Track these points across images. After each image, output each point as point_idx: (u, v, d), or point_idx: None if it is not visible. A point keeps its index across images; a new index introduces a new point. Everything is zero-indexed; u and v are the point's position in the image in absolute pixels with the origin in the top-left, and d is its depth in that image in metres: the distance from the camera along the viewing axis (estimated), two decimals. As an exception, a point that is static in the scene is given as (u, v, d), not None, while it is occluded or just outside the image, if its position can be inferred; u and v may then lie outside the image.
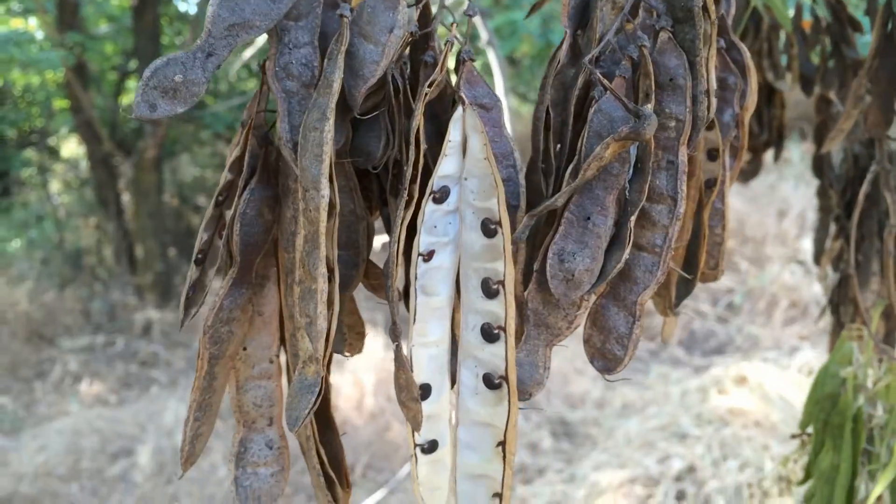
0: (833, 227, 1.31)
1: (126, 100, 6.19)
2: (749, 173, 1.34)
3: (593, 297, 0.45)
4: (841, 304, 1.29)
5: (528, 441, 3.40)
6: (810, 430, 0.95)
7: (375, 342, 3.96)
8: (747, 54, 0.56)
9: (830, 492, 0.89)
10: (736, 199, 5.12)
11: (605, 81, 0.42)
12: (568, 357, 3.97)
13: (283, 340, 0.47)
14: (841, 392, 0.90)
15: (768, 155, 1.33)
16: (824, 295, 1.31)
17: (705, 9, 0.44)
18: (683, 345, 4.32)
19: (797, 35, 1.28)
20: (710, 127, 0.56)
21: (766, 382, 3.46)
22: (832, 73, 1.22)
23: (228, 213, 0.43)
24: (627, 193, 0.44)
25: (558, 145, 0.45)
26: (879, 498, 0.84)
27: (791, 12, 1.29)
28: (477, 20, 2.64)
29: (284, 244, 0.43)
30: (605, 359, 0.47)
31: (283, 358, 0.47)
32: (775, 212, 4.99)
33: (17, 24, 5.13)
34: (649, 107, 0.41)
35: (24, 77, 5.64)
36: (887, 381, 0.88)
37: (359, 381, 3.67)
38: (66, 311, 5.10)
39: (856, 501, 0.87)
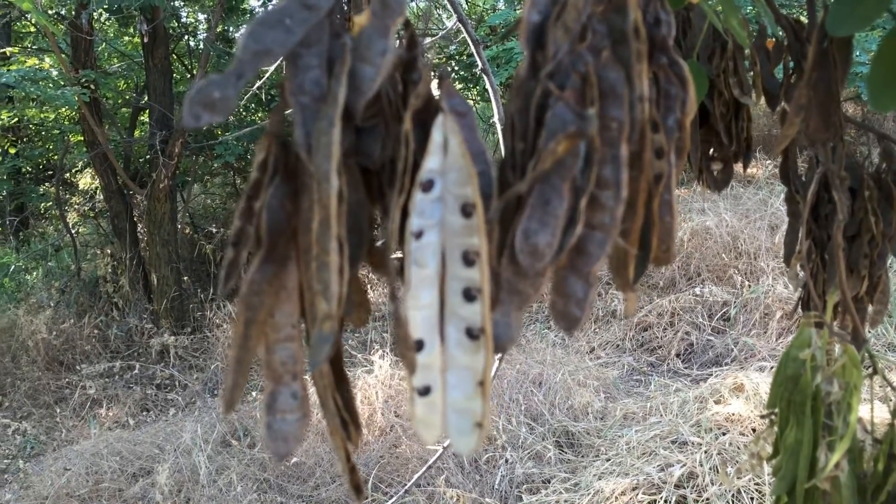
0: (801, 231, 1.41)
1: (139, 133, 6.35)
2: (721, 182, 1.44)
3: (554, 268, 0.56)
4: (811, 300, 1.39)
5: (533, 452, 3.48)
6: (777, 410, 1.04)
7: (383, 361, 4.06)
8: (686, 68, 0.66)
9: (795, 463, 0.98)
10: (729, 215, 5.23)
11: (558, 91, 0.53)
12: (570, 371, 4.06)
13: (302, 312, 0.57)
14: (801, 373, 1.00)
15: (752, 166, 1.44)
16: (794, 293, 1.41)
17: (637, 32, 0.54)
18: (682, 357, 4.41)
19: (761, 54, 1.39)
20: (656, 130, 0.66)
21: (763, 391, 3.54)
22: (794, 88, 1.33)
23: (257, 205, 0.54)
24: (579, 182, 0.54)
25: (522, 144, 0.55)
26: (837, 465, 0.93)
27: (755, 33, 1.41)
28: (473, 50, 2.77)
29: (303, 229, 0.54)
30: (567, 319, 0.57)
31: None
32: (767, 226, 5.10)
33: (32, 62, 5.30)
34: (592, 110, 0.52)
35: (39, 113, 5.80)
36: (842, 361, 0.97)
37: (368, 398, 3.77)
38: (84, 338, 5.22)
39: (817, 469, 0.96)
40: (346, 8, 0.57)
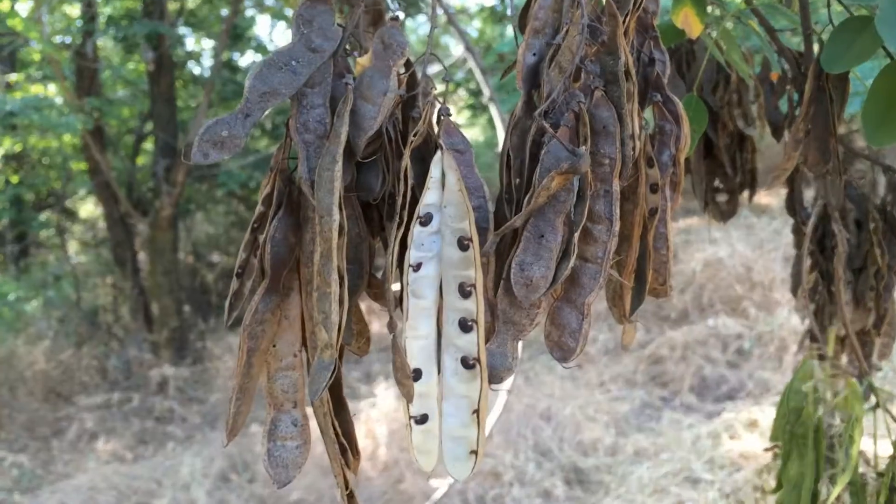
0: (808, 262, 1.42)
1: (142, 161, 6.40)
2: (727, 213, 1.46)
3: (549, 299, 0.57)
4: (820, 331, 1.39)
5: (541, 489, 3.45)
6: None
7: (388, 394, 4.04)
8: (680, 105, 0.68)
9: (798, 496, 0.98)
10: (742, 245, 5.22)
11: (551, 130, 0.55)
12: (580, 405, 4.04)
13: (304, 341, 0.59)
14: (804, 405, 1.00)
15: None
16: (802, 324, 1.41)
17: (627, 73, 0.57)
18: (695, 391, 4.36)
19: (766, 86, 1.41)
20: (651, 165, 0.68)
21: (776, 425, 3.49)
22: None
23: (261, 237, 0.56)
24: (573, 216, 0.56)
25: (518, 180, 0.57)
26: (839, 498, 0.93)
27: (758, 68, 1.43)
28: (480, 78, 2.80)
29: (305, 261, 0.56)
30: (562, 350, 0.58)
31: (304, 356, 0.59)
32: (781, 256, 5.07)
33: (37, 90, 5.37)
34: (584, 148, 0.54)
35: (42, 141, 5.85)
36: (844, 394, 0.97)
37: (372, 432, 3.74)
38: (82, 368, 5.20)
39: (819, 503, 0.96)
40: (349, 49, 0.59)
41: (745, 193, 1.44)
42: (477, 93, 6.53)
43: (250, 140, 6.44)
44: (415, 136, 0.55)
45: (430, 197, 0.55)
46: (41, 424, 4.79)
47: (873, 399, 1.00)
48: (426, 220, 0.55)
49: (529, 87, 0.59)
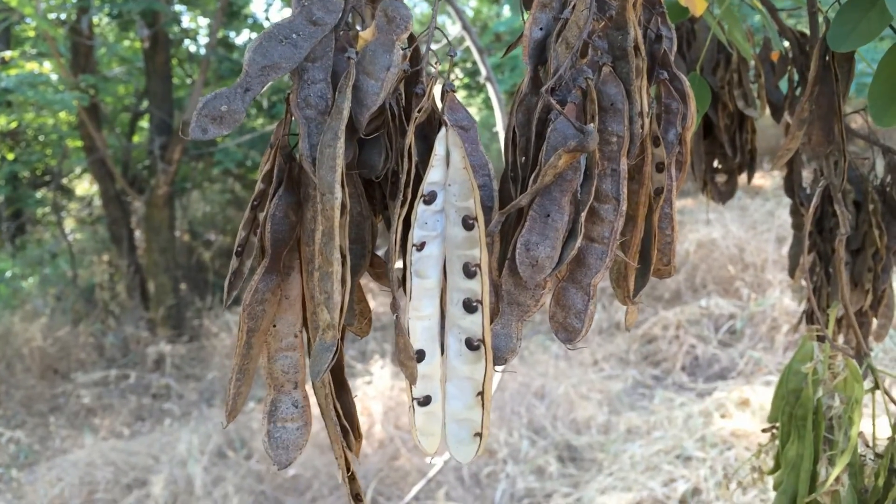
0: (805, 243, 1.41)
1: (138, 139, 6.35)
2: (726, 194, 1.45)
3: (554, 280, 0.56)
4: (814, 314, 1.39)
5: (534, 466, 3.47)
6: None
7: (383, 372, 4.05)
8: (687, 83, 0.67)
9: (796, 478, 0.98)
10: (735, 226, 5.23)
11: (558, 107, 0.54)
12: (573, 383, 4.05)
13: (304, 321, 0.57)
14: (803, 387, 1.00)
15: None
16: (799, 306, 1.41)
17: (637, 49, 0.55)
18: (687, 370, 4.39)
19: (766, 66, 1.40)
20: (657, 144, 0.67)
21: (769, 405, 3.51)
22: (798, 100, 1.33)
23: (261, 215, 0.54)
24: (579, 195, 0.55)
25: (524, 158, 0.56)
26: (838, 479, 0.93)
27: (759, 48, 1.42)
28: (477, 58, 2.76)
29: (306, 239, 0.54)
30: (567, 331, 0.57)
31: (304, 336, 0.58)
32: (774, 237, 5.09)
33: (32, 67, 5.30)
34: (592, 125, 0.52)
35: (38, 118, 5.79)
36: (843, 375, 0.97)
37: (368, 409, 3.76)
38: (79, 345, 5.20)
39: (818, 484, 0.96)
40: (351, 22, 0.58)
41: (744, 174, 1.43)
42: (473, 72, 6.48)
43: (246, 119, 6.38)
44: (419, 112, 0.53)
45: (434, 175, 0.54)
46: (38, 401, 4.79)
47: (871, 380, 1.00)
48: (430, 199, 0.54)
49: (536, 63, 0.57)
